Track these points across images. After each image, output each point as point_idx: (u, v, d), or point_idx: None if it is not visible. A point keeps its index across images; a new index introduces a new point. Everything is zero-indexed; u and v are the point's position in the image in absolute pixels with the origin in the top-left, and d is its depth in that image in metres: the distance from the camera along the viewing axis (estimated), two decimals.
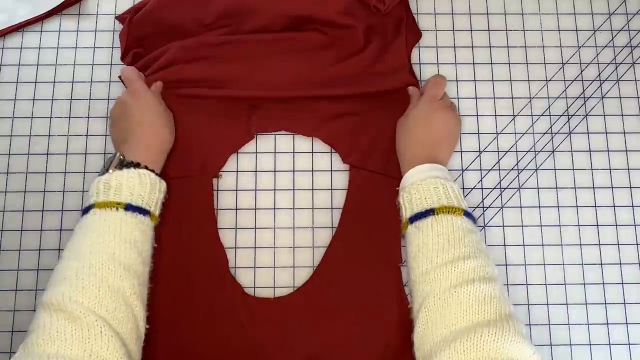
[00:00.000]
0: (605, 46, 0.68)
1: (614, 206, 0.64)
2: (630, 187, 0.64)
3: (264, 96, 0.64)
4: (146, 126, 0.57)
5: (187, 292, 0.59)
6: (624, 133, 0.65)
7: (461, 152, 0.65)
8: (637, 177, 0.64)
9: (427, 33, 0.68)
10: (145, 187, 0.52)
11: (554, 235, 0.63)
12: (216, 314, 0.58)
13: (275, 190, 0.63)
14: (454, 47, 0.68)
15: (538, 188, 0.64)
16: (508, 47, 0.68)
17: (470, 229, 0.51)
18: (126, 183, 0.52)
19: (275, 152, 0.64)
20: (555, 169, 0.64)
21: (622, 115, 0.66)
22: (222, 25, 0.66)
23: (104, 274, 0.47)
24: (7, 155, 0.64)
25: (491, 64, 0.67)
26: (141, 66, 0.64)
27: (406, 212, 0.53)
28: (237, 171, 0.64)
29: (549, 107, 0.66)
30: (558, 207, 0.63)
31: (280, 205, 0.63)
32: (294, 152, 0.64)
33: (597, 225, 0.63)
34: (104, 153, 0.64)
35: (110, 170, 0.53)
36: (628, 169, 0.65)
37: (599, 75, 0.67)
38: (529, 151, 0.65)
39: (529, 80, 0.67)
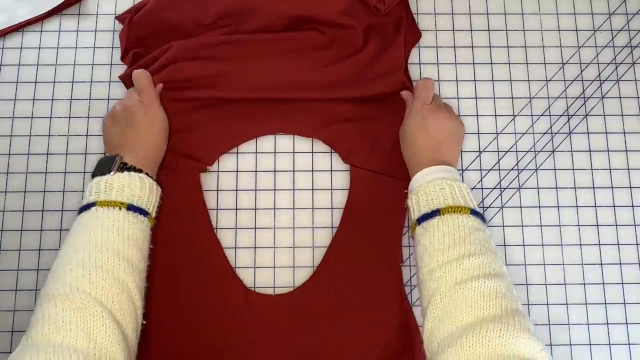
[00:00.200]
0: (605, 46, 0.68)
1: (614, 206, 0.64)
2: (630, 187, 0.64)
3: (262, 97, 0.64)
4: (150, 138, 0.58)
5: (184, 287, 0.59)
6: (624, 133, 0.65)
7: (461, 152, 0.65)
8: (637, 177, 0.64)
9: (427, 33, 0.68)
10: (145, 190, 0.53)
11: (554, 235, 0.63)
12: (215, 308, 0.59)
13: (275, 190, 0.63)
14: (454, 47, 0.68)
15: (538, 188, 0.64)
16: (508, 47, 0.68)
17: (476, 227, 0.51)
18: (128, 185, 0.52)
19: (275, 152, 0.64)
20: (555, 169, 0.64)
21: (622, 115, 0.66)
22: (222, 25, 0.66)
23: (109, 267, 0.47)
24: (7, 155, 0.64)
25: (491, 64, 0.67)
26: (141, 66, 0.64)
27: (414, 214, 0.54)
28: (237, 171, 0.64)
29: (549, 107, 0.66)
30: (558, 207, 0.63)
31: (280, 205, 0.63)
32: (294, 152, 0.64)
33: (597, 225, 0.63)
34: (104, 153, 0.64)
35: (112, 172, 0.53)
36: (628, 169, 0.65)
37: (599, 75, 0.67)
38: (529, 151, 0.65)
39: (529, 80, 0.67)
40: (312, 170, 0.64)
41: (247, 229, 0.62)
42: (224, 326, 0.58)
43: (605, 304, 0.61)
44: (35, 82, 0.66)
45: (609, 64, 0.67)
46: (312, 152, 0.64)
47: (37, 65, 0.66)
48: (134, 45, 0.66)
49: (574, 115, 0.66)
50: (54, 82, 0.66)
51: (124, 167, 0.54)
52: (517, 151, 0.65)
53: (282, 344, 0.58)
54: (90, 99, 0.65)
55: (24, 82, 0.66)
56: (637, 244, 0.63)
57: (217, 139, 0.63)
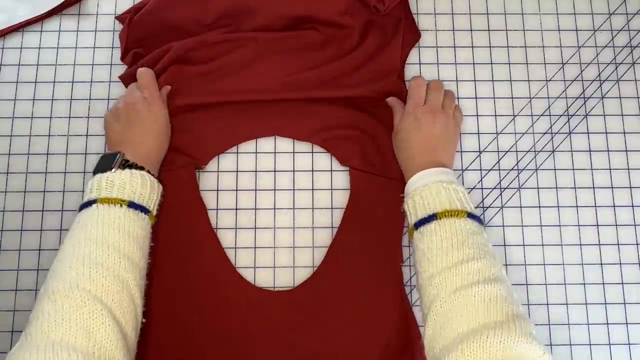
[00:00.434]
0: (605, 46, 0.68)
1: (614, 206, 0.64)
2: (630, 187, 0.64)
3: (259, 98, 0.64)
4: (153, 136, 0.58)
5: (182, 283, 0.59)
6: (624, 133, 0.65)
7: (461, 152, 0.65)
8: (637, 177, 0.64)
9: (427, 33, 0.68)
10: (146, 187, 0.53)
11: (554, 235, 0.63)
12: (214, 302, 0.59)
13: (275, 190, 0.63)
14: (454, 47, 0.68)
15: (538, 188, 0.64)
16: (508, 47, 0.68)
17: (474, 231, 0.51)
18: (129, 182, 0.52)
19: (275, 152, 0.64)
20: (555, 169, 0.64)
21: (622, 115, 0.66)
22: (222, 25, 0.66)
23: (110, 264, 0.47)
24: (7, 155, 0.64)
25: (491, 64, 0.67)
26: (141, 66, 0.64)
27: (411, 219, 0.54)
28: (237, 171, 0.64)
29: (549, 107, 0.66)
30: (558, 207, 0.63)
31: (280, 205, 0.63)
32: (294, 152, 0.64)
33: (597, 225, 0.63)
34: (104, 153, 0.64)
35: (114, 169, 0.53)
36: (628, 169, 0.65)
37: (599, 75, 0.67)
38: (529, 151, 0.65)
39: (529, 80, 0.67)
40: (312, 170, 0.64)
41: (247, 229, 0.62)
42: (223, 321, 0.58)
43: (605, 304, 0.61)
44: (35, 82, 0.66)
45: (609, 64, 0.67)
46: (312, 152, 0.64)
47: (37, 65, 0.66)
48: (134, 45, 0.66)
49: (574, 115, 0.66)
50: (54, 82, 0.66)
51: (126, 164, 0.54)
52: (517, 151, 0.65)
53: (281, 341, 0.58)
54: (90, 99, 0.65)
55: (24, 82, 0.66)
56: (637, 244, 0.63)
57: (214, 139, 0.63)
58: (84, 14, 0.68)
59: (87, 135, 0.64)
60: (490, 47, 0.68)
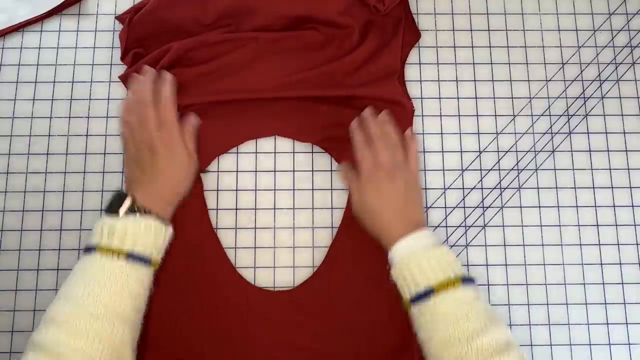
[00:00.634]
0: (605, 46, 0.68)
1: (614, 206, 0.64)
2: (630, 187, 0.64)
3: (259, 97, 0.64)
4: (168, 178, 0.55)
5: (182, 283, 0.59)
6: (624, 133, 0.65)
7: (461, 152, 0.65)
8: (637, 177, 0.64)
9: (427, 33, 0.68)
10: (149, 235, 0.52)
11: (554, 235, 0.63)
12: (215, 302, 0.59)
13: (275, 190, 0.63)
14: (454, 47, 0.68)
15: (538, 188, 0.64)
16: (508, 47, 0.68)
17: (474, 297, 0.50)
18: (131, 231, 0.51)
19: (275, 152, 0.64)
20: (555, 169, 0.64)
21: (622, 115, 0.66)
22: (222, 25, 0.66)
23: (97, 324, 0.46)
24: (7, 155, 0.64)
25: (491, 64, 0.67)
26: (141, 66, 0.64)
27: (404, 292, 0.52)
28: (237, 171, 0.64)
29: (549, 107, 0.66)
30: (558, 207, 0.63)
31: (280, 205, 0.63)
32: (294, 152, 0.64)
33: (597, 225, 0.63)
34: (104, 153, 0.64)
35: (120, 213, 0.52)
36: (628, 169, 0.65)
37: (599, 75, 0.67)
38: (529, 151, 0.65)
39: (529, 80, 0.67)
40: (312, 170, 0.64)
41: (247, 229, 0.62)
42: (223, 321, 0.58)
43: (605, 304, 0.61)
44: (35, 82, 0.66)
45: (609, 64, 0.67)
46: (312, 152, 0.64)
47: (37, 65, 0.66)
48: (134, 45, 0.66)
49: (574, 115, 0.66)
50: (54, 82, 0.66)
51: (133, 208, 0.52)
52: (517, 151, 0.65)
53: (281, 341, 0.58)
54: (90, 99, 0.65)
55: (24, 82, 0.66)
56: (637, 244, 0.63)
57: (214, 139, 0.63)
58: (84, 14, 0.68)
59: (87, 136, 0.64)
60: (490, 47, 0.68)
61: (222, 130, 0.63)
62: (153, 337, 0.57)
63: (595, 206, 0.64)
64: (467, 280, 0.51)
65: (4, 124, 0.65)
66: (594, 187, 0.64)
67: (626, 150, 0.65)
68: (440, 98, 0.66)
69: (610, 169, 0.64)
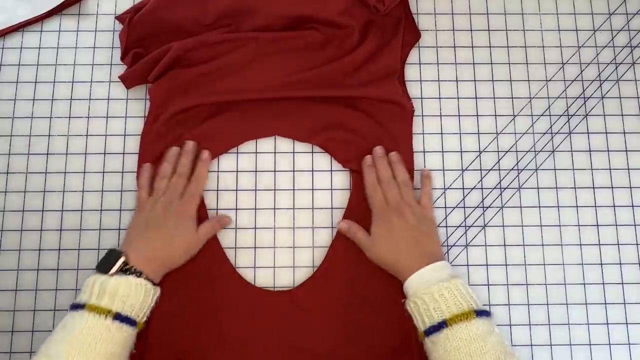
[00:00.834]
0: (605, 46, 0.68)
1: (614, 206, 0.64)
2: (630, 187, 0.64)
3: (259, 97, 0.64)
4: (169, 245, 0.56)
5: (183, 283, 0.59)
6: (624, 133, 0.65)
7: (461, 152, 0.65)
8: (637, 177, 0.64)
9: (427, 33, 0.68)
10: (138, 297, 0.52)
11: (554, 235, 0.63)
12: (214, 302, 0.59)
13: (275, 190, 0.63)
14: (454, 47, 0.68)
15: (538, 188, 0.64)
16: (508, 47, 0.68)
17: (488, 331, 0.50)
18: (121, 291, 0.51)
19: (275, 152, 0.64)
20: (555, 169, 0.64)
21: (622, 115, 0.66)
22: (222, 25, 0.66)
23: None
24: (7, 155, 0.64)
25: (491, 64, 0.67)
26: (141, 67, 0.64)
27: (418, 324, 0.53)
28: (237, 171, 0.64)
29: (549, 107, 0.66)
30: (558, 207, 0.63)
31: (280, 205, 0.63)
32: (294, 152, 0.64)
33: (597, 225, 0.63)
34: (104, 153, 0.64)
35: (112, 271, 0.52)
36: (628, 169, 0.65)
37: (599, 75, 0.67)
38: (529, 151, 0.65)
39: (529, 80, 0.67)
40: (312, 171, 0.64)
41: (247, 229, 0.62)
42: (223, 321, 0.58)
43: (605, 304, 0.61)
44: (35, 82, 0.66)
45: (609, 64, 0.67)
46: (312, 152, 0.64)
47: (37, 65, 0.66)
48: (134, 45, 0.66)
49: (574, 115, 0.66)
50: (54, 82, 0.66)
51: (125, 269, 0.53)
52: (517, 151, 0.65)
53: (281, 341, 0.58)
54: (90, 99, 0.65)
55: (24, 82, 0.66)
56: (637, 244, 0.63)
57: (214, 139, 0.63)
58: (84, 14, 0.68)
59: (87, 136, 0.64)
60: (490, 47, 0.68)
61: (222, 130, 0.63)
62: (153, 337, 0.57)
63: (595, 206, 0.64)
64: (481, 313, 0.51)
65: (4, 124, 0.65)
66: (594, 187, 0.64)
67: (626, 150, 0.65)
68: (440, 98, 0.66)
69: (610, 169, 0.64)
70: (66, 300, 0.60)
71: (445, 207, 0.63)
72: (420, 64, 0.67)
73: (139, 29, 0.65)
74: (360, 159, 0.63)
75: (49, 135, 0.64)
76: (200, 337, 0.58)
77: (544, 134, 0.65)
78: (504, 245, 0.62)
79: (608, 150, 0.65)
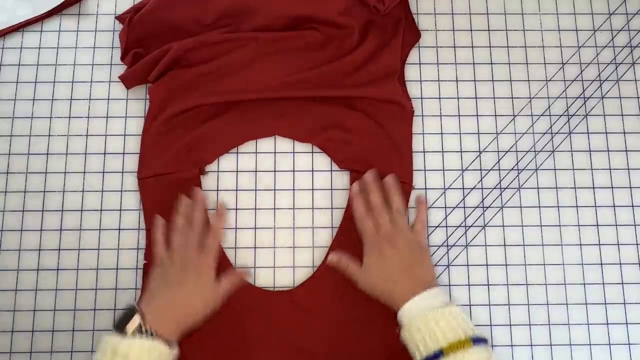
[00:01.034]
0: (605, 46, 0.68)
1: (614, 206, 0.64)
2: (630, 187, 0.64)
3: (259, 97, 0.64)
4: (187, 303, 0.55)
5: None
6: (624, 133, 0.65)
7: (461, 152, 0.65)
8: (637, 177, 0.64)
9: (427, 33, 0.68)
10: (152, 359, 0.50)
11: (554, 235, 0.63)
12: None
13: (275, 190, 0.63)
14: (454, 47, 0.68)
15: (538, 188, 0.64)
16: (508, 47, 0.68)
17: (485, 358, 0.49)
18: (135, 353, 0.50)
19: (275, 152, 0.64)
20: (555, 169, 0.64)
21: (622, 115, 0.66)
22: (222, 25, 0.66)
23: None
24: (7, 155, 0.64)
25: (491, 64, 0.67)
26: (141, 66, 0.64)
27: (415, 354, 0.52)
28: (237, 171, 0.64)
29: (549, 107, 0.66)
30: (558, 207, 0.63)
31: (280, 205, 0.63)
32: (294, 152, 0.64)
33: (597, 225, 0.63)
34: (104, 153, 0.64)
35: (127, 331, 0.51)
36: (628, 169, 0.65)
37: (599, 75, 0.67)
38: (529, 151, 0.65)
39: (529, 80, 0.67)
40: (312, 171, 0.64)
41: (247, 229, 0.62)
42: (223, 321, 0.58)
43: (605, 304, 0.61)
44: (35, 82, 0.66)
45: (609, 64, 0.67)
46: (312, 152, 0.64)
47: (37, 65, 0.66)
48: (134, 45, 0.66)
49: (574, 115, 0.66)
50: (54, 82, 0.66)
51: (142, 330, 0.51)
52: (517, 151, 0.65)
53: (281, 341, 0.58)
54: (90, 99, 0.65)
55: (24, 82, 0.66)
56: (637, 244, 0.63)
57: (214, 139, 0.63)
58: (84, 14, 0.68)
59: (87, 136, 0.64)
60: (490, 47, 0.68)
61: (222, 130, 0.63)
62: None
63: (595, 206, 0.64)
64: (478, 340, 0.50)
65: (4, 124, 0.65)
66: (594, 187, 0.64)
67: (626, 150, 0.65)
68: (440, 98, 0.66)
69: (610, 169, 0.64)
70: (66, 300, 0.60)
71: (445, 207, 0.63)
72: (420, 64, 0.67)
73: (139, 29, 0.65)
74: (359, 160, 0.63)
75: (49, 135, 0.64)
76: (200, 337, 0.58)
77: (544, 134, 0.65)
78: (504, 245, 0.62)
79: (608, 150, 0.65)
